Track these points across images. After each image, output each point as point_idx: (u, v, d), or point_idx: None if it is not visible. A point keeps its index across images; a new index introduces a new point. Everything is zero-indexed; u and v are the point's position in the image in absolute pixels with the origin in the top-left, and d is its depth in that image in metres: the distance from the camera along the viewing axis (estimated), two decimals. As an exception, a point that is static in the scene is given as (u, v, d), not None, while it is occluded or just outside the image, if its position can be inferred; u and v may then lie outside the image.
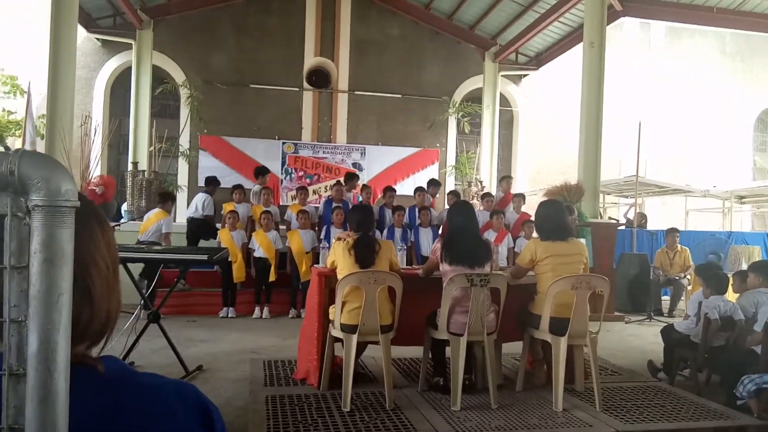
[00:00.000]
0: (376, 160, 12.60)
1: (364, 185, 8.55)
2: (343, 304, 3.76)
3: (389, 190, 8.48)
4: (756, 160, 15.31)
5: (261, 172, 8.64)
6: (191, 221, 8.01)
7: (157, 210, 7.48)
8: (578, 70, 8.71)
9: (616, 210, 13.64)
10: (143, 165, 10.54)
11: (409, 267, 5.09)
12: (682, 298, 8.44)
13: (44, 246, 0.64)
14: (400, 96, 12.89)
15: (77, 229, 0.67)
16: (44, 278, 0.64)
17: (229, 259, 7.00)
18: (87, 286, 0.74)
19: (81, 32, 10.00)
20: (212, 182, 8.35)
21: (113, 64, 11.98)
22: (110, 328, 0.80)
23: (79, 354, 0.74)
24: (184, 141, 11.81)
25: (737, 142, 15.03)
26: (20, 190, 0.64)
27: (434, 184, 8.98)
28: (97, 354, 0.80)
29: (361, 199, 8.43)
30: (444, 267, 3.88)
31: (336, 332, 3.85)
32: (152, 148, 10.76)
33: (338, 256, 3.90)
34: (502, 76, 13.15)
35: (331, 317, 3.94)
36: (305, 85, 11.43)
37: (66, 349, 0.65)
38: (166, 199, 7.66)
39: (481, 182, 11.67)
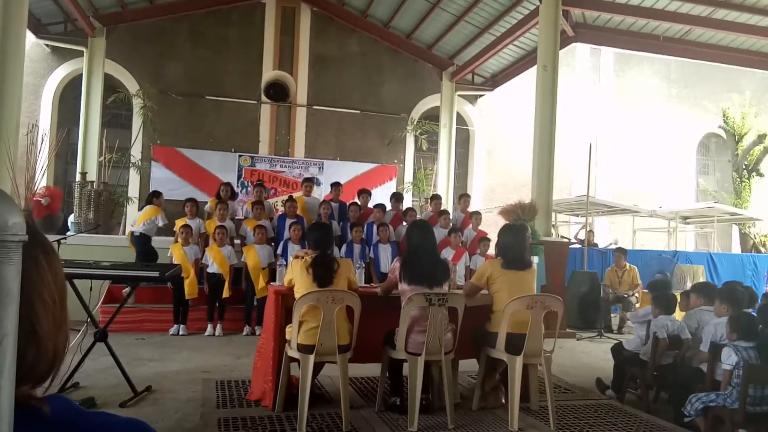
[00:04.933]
0: (333, 175, 12.53)
1: (322, 202, 8.48)
2: (300, 323, 3.69)
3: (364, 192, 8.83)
4: (699, 182, 16.00)
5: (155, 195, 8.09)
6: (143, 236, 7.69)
7: (150, 206, 7.73)
8: (532, 92, 8.93)
9: (567, 228, 13.99)
10: (92, 176, 10.21)
11: (368, 285, 5.06)
12: (631, 315, 8.69)
13: (-12, 284, 0.59)
14: (358, 112, 12.94)
15: (21, 263, 0.62)
16: (-13, 319, 0.59)
17: (182, 275, 6.81)
18: (32, 324, 0.68)
19: (30, 38, 9.67)
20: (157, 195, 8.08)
21: (63, 71, 11.60)
22: (57, 366, 0.75)
23: (23, 395, 0.69)
24: (136, 152, 11.51)
25: (682, 164, 15.69)
26: (-38, 223, 0.59)
27: (397, 197, 9.01)
28: (43, 392, 0.75)
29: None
30: (402, 286, 3.87)
31: (292, 352, 3.77)
32: (102, 158, 10.44)
33: (296, 275, 3.85)
34: (458, 95, 13.38)
35: (287, 337, 3.86)
36: (263, 98, 11.33)
37: (10, 395, 0.61)
38: (155, 196, 7.94)
39: (428, 199, 11.69)
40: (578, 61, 14.90)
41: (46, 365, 0.71)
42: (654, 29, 10.52)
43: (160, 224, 7.70)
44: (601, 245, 11.34)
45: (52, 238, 4.99)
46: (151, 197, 7.99)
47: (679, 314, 4.97)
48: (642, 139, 15.20)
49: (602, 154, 14.64)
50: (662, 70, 15.53)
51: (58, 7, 10.48)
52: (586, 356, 6.69)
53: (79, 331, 4.42)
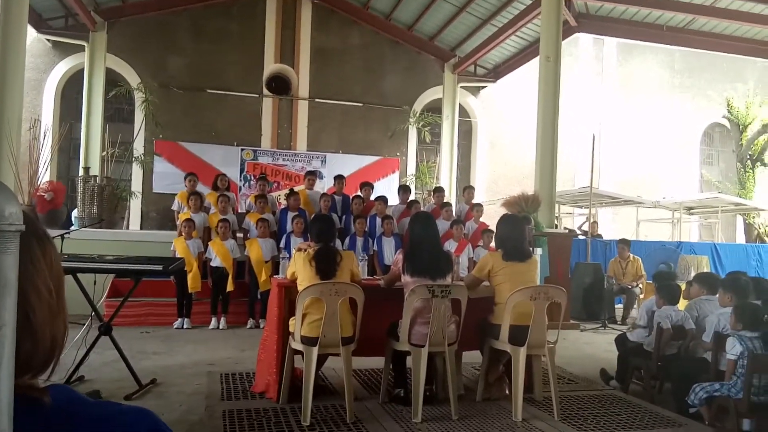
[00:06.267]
0: (336, 168, 12.52)
1: (323, 194, 8.47)
2: (304, 316, 3.70)
3: (365, 185, 8.68)
4: (703, 172, 15.93)
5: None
6: None
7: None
8: (534, 84, 8.89)
9: (570, 220, 13.96)
10: (95, 170, 10.22)
11: (371, 277, 5.06)
12: (635, 306, 8.67)
13: (-15, 274, 0.59)
14: (360, 104, 12.90)
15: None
16: (-15, 309, 0.59)
17: (185, 269, 6.82)
18: (26, 314, 0.67)
19: (31, 33, 9.65)
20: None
21: (64, 66, 11.59)
22: (57, 355, 0.74)
23: (23, 385, 0.68)
24: (139, 146, 11.51)
25: (686, 155, 15.62)
26: (-41, 213, 0.59)
27: (405, 190, 9.00)
28: (44, 381, 0.75)
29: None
30: (405, 278, 3.87)
31: (296, 345, 3.78)
32: (105, 153, 10.44)
33: (299, 268, 3.85)
34: (461, 87, 13.34)
35: (291, 329, 3.87)
36: (265, 91, 11.30)
37: (9, 386, 0.61)
38: (185, 178, 8.25)
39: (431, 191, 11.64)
40: (581, 51, 14.82)
41: (43, 355, 0.71)
42: (657, 18, 10.46)
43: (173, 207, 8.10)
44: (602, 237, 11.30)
45: (55, 232, 5.00)
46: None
47: (683, 304, 4.96)
48: (646, 130, 15.13)
49: (606, 145, 14.57)
50: (666, 59, 15.44)
51: (59, 1, 10.47)
52: (590, 347, 6.69)
53: (84, 324, 4.44)
